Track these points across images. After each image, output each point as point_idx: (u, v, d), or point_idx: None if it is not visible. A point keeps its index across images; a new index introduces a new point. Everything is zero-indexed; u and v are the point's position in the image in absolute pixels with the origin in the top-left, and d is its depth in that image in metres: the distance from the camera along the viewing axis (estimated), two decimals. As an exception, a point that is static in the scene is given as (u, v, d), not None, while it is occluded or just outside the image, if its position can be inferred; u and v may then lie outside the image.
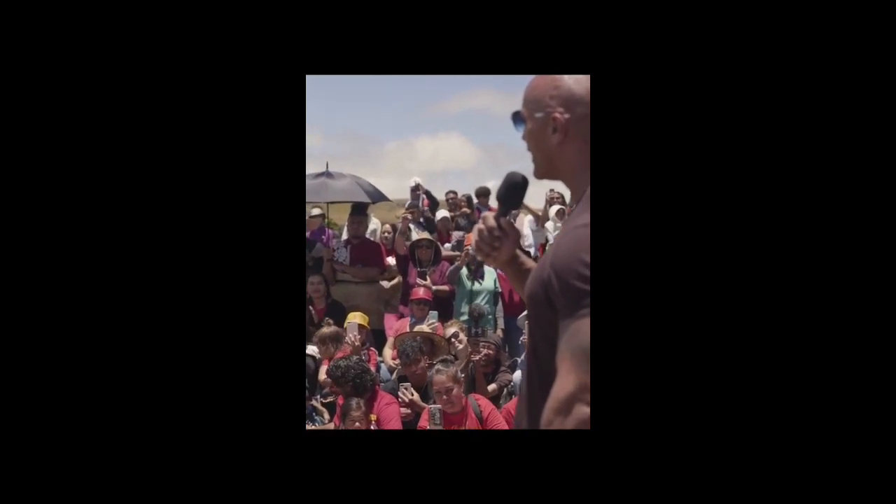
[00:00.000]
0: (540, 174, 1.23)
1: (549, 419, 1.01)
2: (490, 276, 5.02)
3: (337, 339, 4.22)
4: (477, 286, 5.02)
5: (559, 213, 5.73)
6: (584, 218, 1.08)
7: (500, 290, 5.08)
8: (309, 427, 3.69)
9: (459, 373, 3.60)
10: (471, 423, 3.43)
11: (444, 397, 3.40)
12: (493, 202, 6.02)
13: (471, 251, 1.45)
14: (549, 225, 5.85)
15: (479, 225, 1.35)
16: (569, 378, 0.99)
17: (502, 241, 1.34)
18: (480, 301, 4.86)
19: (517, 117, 1.23)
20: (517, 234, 1.38)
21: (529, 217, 6.42)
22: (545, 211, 6.06)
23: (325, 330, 4.29)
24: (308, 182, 5.71)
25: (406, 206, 6.51)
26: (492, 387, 4.00)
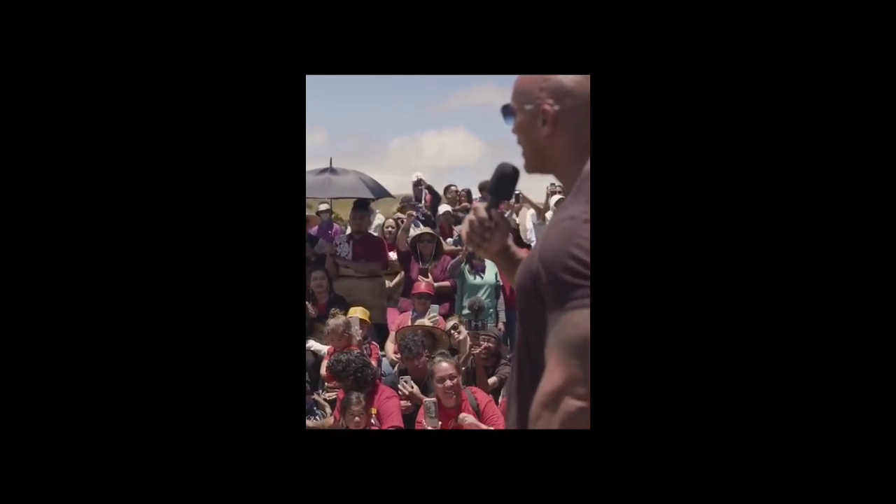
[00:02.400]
0: (530, 168, 1.22)
1: (537, 413, 1.01)
2: (491, 269, 5.02)
3: (347, 326, 4.20)
4: (478, 280, 5.03)
5: (559, 204, 5.71)
6: (573, 210, 1.07)
7: (501, 283, 5.08)
8: (310, 421, 3.70)
9: (460, 366, 3.62)
10: (468, 417, 3.45)
11: (448, 382, 3.41)
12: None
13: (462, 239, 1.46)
14: (549, 216, 5.84)
15: (471, 216, 1.35)
16: (557, 371, 0.99)
17: (493, 232, 1.34)
18: (482, 295, 4.87)
19: (507, 110, 1.22)
20: (508, 225, 1.38)
21: (531, 211, 6.42)
22: (546, 204, 6.06)
23: (333, 321, 4.22)
24: (312, 178, 5.70)
25: (400, 201, 6.50)
26: (492, 380, 4.01)
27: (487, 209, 1.34)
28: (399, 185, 7.73)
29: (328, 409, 3.84)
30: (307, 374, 4.04)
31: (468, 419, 3.36)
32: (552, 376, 1.00)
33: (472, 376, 3.95)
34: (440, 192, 7.20)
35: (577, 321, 0.98)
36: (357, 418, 3.45)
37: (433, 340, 4.20)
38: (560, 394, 0.98)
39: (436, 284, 4.97)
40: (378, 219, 6.34)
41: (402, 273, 5.33)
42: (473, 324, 4.28)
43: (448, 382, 3.42)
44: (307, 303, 4.68)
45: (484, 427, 3.37)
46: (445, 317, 4.67)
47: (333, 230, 6.31)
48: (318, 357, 4.38)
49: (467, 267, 5.06)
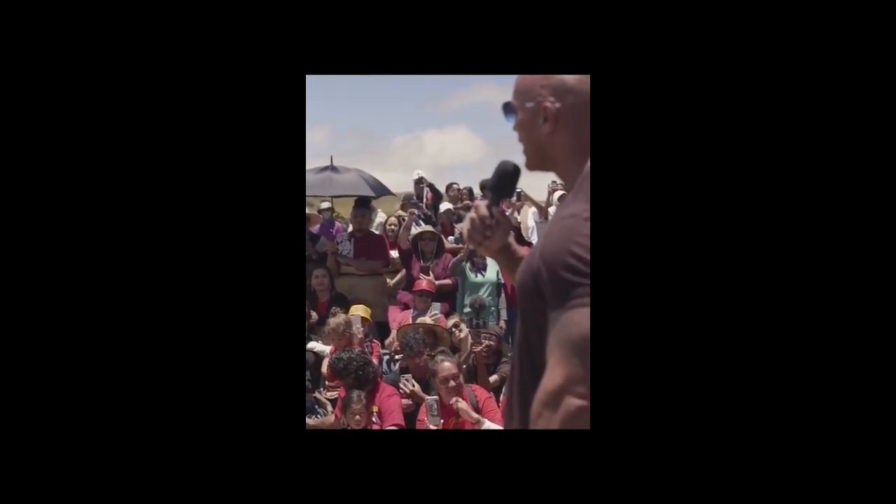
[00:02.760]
0: (531, 165, 1.22)
1: (538, 411, 1.01)
2: (493, 267, 5.02)
3: (347, 325, 4.20)
4: (479, 278, 5.03)
5: (561, 200, 5.71)
6: (574, 208, 1.07)
7: (502, 281, 5.08)
8: (310, 419, 3.71)
9: (461, 364, 3.62)
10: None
11: (452, 383, 3.41)
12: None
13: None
14: (552, 212, 5.83)
15: (472, 214, 1.35)
16: (557, 370, 0.99)
17: (494, 230, 1.34)
18: (483, 293, 4.87)
19: (508, 108, 1.22)
20: (509, 223, 1.38)
21: (533, 209, 6.41)
22: (549, 200, 6.05)
23: (334, 320, 4.23)
24: (313, 177, 5.70)
25: (402, 199, 6.49)
26: (493, 378, 4.01)
27: (489, 207, 1.33)
28: (400, 184, 7.73)
29: (329, 408, 3.84)
30: (308, 373, 4.04)
31: (461, 403, 3.36)
32: (553, 375, 1.00)
33: (473, 374, 3.95)
34: (441, 190, 7.19)
35: (577, 319, 0.99)
36: (358, 416, 3.45)
37: (434, 338, 4.20)
38: (561, 392, 0.98)
39: (437, 282, 4.97)
40: (379, 217, 6.34)
41: (404, 271, 5.33)
42: (475, 322, 4.28)
43: (452, 383, 3.42)
44: (310, 310, 4.67)
45: (475, 416, 3.36)
46: (446, 315, 4.68)
47: (335, 228, 6.31)
48: (319, 357, 4.38)
49: (468, 265, 5.06)
